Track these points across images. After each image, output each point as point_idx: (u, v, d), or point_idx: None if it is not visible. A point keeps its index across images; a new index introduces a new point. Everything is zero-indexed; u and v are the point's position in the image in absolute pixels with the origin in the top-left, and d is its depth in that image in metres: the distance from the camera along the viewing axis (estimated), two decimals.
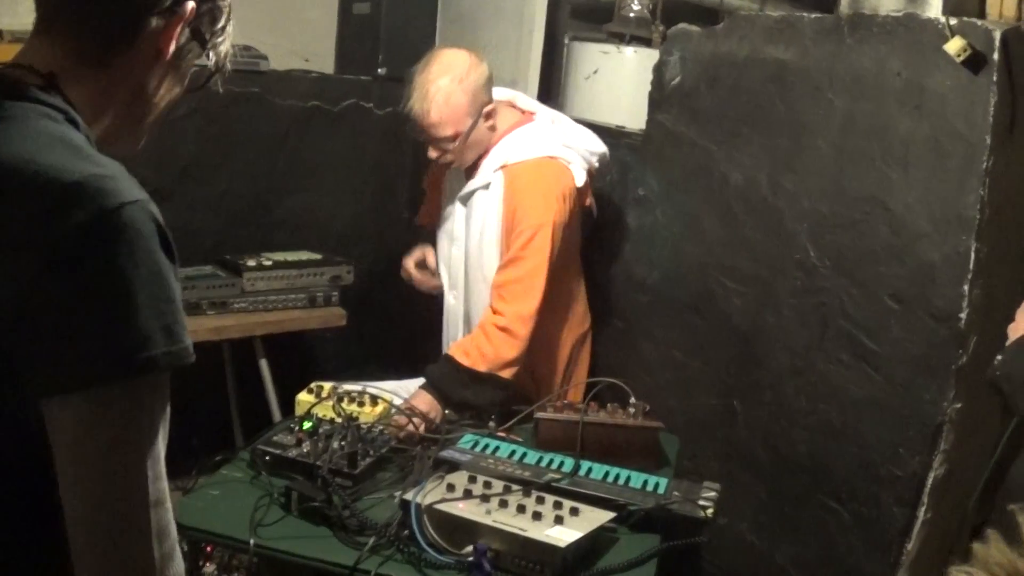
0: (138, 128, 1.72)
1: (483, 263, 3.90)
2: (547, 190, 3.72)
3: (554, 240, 3.69)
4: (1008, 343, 2.65)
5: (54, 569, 1.50)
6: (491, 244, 3.85)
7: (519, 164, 3.77)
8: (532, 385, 3.90)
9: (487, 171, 3.82)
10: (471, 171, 3.91)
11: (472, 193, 3.90)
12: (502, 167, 3.79)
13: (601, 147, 3.99)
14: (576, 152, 3.86)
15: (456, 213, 4.00)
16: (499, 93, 3.97)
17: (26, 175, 1.43)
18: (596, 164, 3.96)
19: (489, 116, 3.76)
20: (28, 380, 1.41)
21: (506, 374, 3.64)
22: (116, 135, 1.67)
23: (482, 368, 3.60)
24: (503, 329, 3.64)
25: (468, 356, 3.62)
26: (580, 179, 3.81)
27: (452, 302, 4.14)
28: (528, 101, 4.07)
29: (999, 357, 2.64)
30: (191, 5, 1.64)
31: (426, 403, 3.52)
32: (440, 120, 3.66)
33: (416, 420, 3.33)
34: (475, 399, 3.62)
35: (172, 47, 1.64)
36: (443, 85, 3.64)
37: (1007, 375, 2.57)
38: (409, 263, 4.18)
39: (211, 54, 1.75)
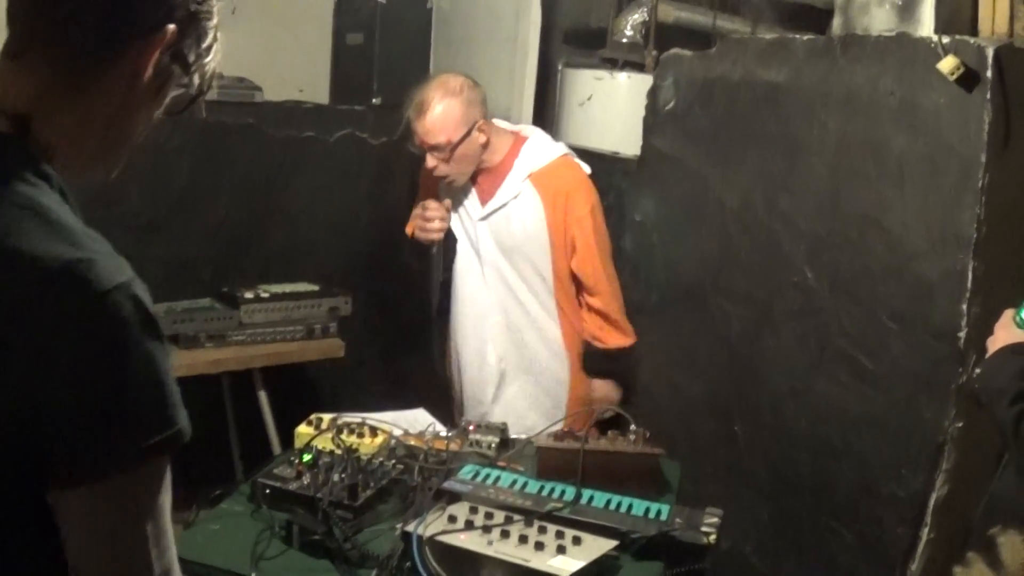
0: (115, 154, 1.66)
1: (534, 260, 4.12)
2: (584, 179, 4.11)
3: (602, 223, 4.13)
4: (987, 355, 2.67)
5: None
6: (541, 240, 4.09)
7: (545, 168, 4.08)
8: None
9: (514, 183, 4.06)
10: (485, 193, 4.12)
11: (500, 208, 4.10)
12: (529, 176, 4.05)
13: None
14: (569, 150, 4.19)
15: (479, 236, 4.15)
16: None
17: (2, 261, 1.39)
18: None
19: (482, 131, 4.00)
20: (28, 471, 1.40)
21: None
22: (92, 162, 1.63)
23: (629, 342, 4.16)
24: (607, 316, 4.13)
25: (621, 338, 4.15)
26: (587, 168, 4.14)
27: (455, 328, 4.29)
28: (505, 123, 4.30)
29: (977, 369, 2.66)
30: (171, 27, 1.57)
31: (608, 388, 4.16)
32: (434, 126, 3.95)
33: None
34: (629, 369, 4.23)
35: (150, 70, 1.57)
36: (439, 94, 3.97)
37: (985, 387, 2.60)
38: (428, 201, 4.22)
39: (195, 77, 1.68)
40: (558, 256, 4.10)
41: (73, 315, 1.38)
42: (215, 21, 1.69)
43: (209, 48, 1.69)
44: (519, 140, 4.14)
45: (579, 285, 4.15)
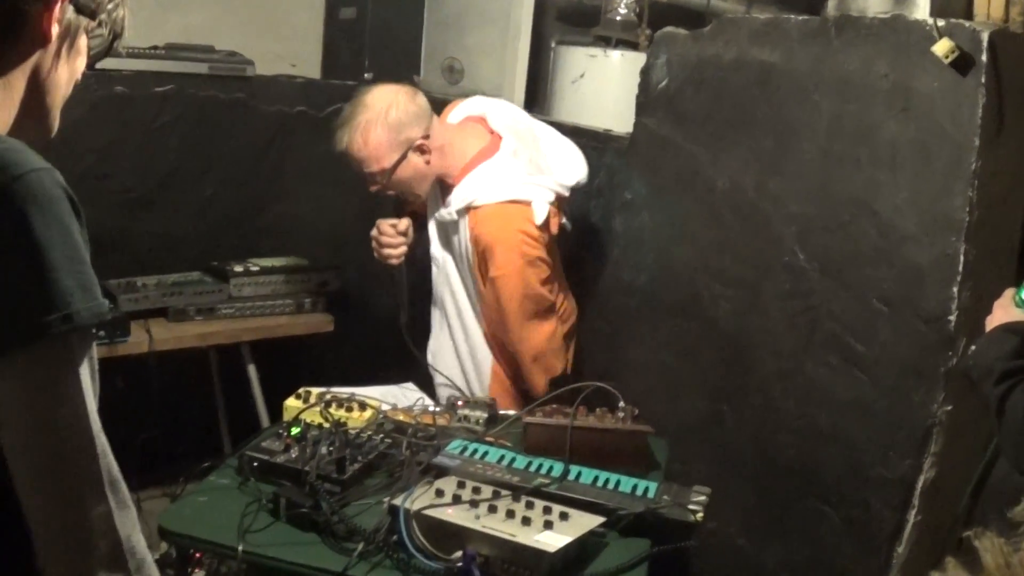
0: (47, 115, 1.71)
1: (467, 287, 4.03)
2: (512, 240, 3.76)
3: (527, 282, 3.80)
4: (984, 334, 2.68)
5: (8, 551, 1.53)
6: (467, 274, 3.97)
7: (482, 209, 3.80)
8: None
9: (451, 210, 3.88)
10: (444, 195, 3.98)
11: (445, 222, 3.97)
12: (467, 208, 3.82)
13: (575, 176, 4.00)
14: (540, 186, 3.85)
15: (435, 235, 4.08)
16: (473, 107, 4.08)
17: None
18: (566, 193, 3.96)
19: (423, 151, 3.82)
20: None
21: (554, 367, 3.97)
22: (26, 127, 1.66)
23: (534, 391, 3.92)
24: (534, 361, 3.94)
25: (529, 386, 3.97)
26: (540, 217, 3.79)
27: (437, 316, 4.22)
28: (499, 119, 4.04)
29: (972, 347, 2.66)
30: None
31: None
32: (361, 156, 3.80)
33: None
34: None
35: (55, 28, 1.62)
36: (362, 122, 3.78)
37: (975, 363, 2.61)
38: (383, 222, 4.05)
39: (105, 22, 1.73)
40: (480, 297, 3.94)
41: (1, 189, 1.43)
42: None
43: None
44: (483, 153, 3.90)
45: None
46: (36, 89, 1.65)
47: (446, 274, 4.07)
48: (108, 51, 1.79)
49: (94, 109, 4.70)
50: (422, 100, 3.88)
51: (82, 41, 1.71)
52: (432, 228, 4.07)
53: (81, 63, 1.73)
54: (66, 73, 1.70)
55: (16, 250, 1.43)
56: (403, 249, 4.00)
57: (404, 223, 4.00)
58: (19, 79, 1.62)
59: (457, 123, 4.07)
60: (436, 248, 4.07)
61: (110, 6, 1.73)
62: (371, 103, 3.80)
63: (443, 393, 4.06)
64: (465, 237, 3.86)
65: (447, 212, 3.89)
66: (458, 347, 4.13)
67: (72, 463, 1.49)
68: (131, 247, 4.88)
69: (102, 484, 1.51)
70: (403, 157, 3.78)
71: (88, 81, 4.71)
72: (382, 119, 3.76)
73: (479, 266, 3.82)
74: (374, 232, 4.01)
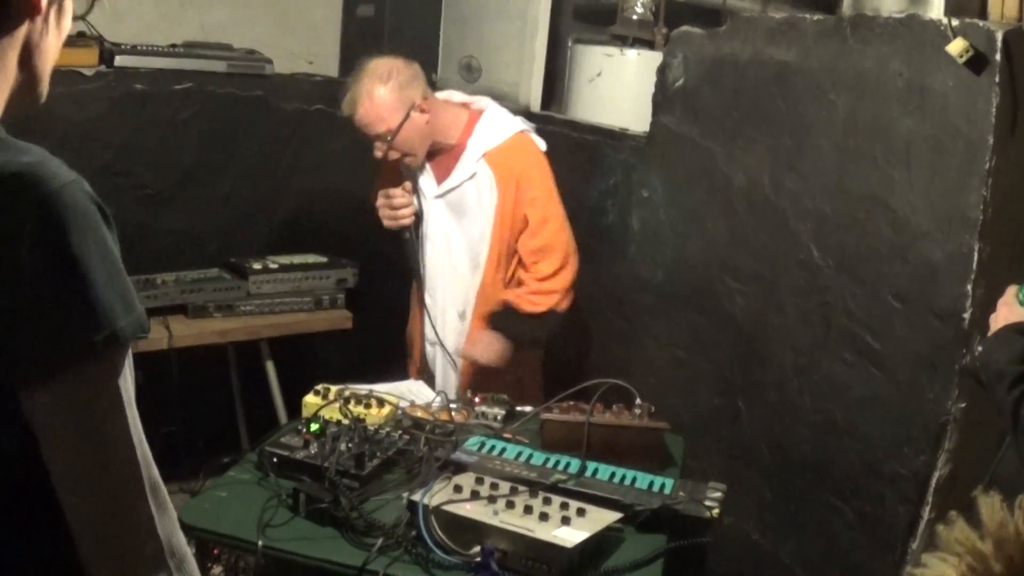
0: (38, 83, 1.69)
1: (472, 239, 4.18)
2: (538, 158, 4.16)
3: (558, 205, 4.16)
4: (989, 333, 2.66)
5: (50, 552, 1.54)
6: (485, 223, 4.14)
7: (499, 147, 4.12)
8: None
9: (469, 163, 4.10)
10: (441, 172, 4.17)
11: (455, 188, 4.15)
12: (484, 155, 4.08)
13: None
14: (527, 123, 4.24)
15: (432, 213, 4.21)
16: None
17: None
18: None
19: (424, 111, 4.02)
20: (2, 374, 1.43)
21: (564, 305, 4.12)
22: (20, 96, 1.65)
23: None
24: (553, 286, 4.10)
25: (535, 304, 4.09)
26: (543, 145, 4.21)
27: (429, 301, 4.32)
28: (459, 95, 4.36)
29: (978, 347, 2.65)
30: None
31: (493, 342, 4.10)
32: (369, 119, 4.00)
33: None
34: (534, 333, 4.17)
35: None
36: (367, 85, 4.01)
37: (985, 365, 2.58)
38: (390, 189, 4.22)
39: None
40: (496, 239, 4.14)
41: (36, 206, 1.42)
42: None
43: None
44: (474, 116, 4.19)
45: (526, 260, 4.15)
46: (28, 59, 1.64)
47: (447, 251, 4.23)
48: (90, 9, 1.81)
49: (113, 106, 4.72)
50: (417, 67, 4.13)
51: (68, 3, 1.70)
52: (431, 207, 4.22)
53: (67, 25, 1.72)
54: (56, 39, 1.69)
55: (57, 267, 1.43)
56: (413, 207, 4.18)
57: (408, 184, 4.18)
58: (11, 51, 1.60)
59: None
60: (435, 226, 4.23)
61: None
62: (373, 69, 4.04)
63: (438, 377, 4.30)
64: (488, 184, 4.09)
65: (463, 172, 4.12)
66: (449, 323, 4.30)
67: (117, 473, 1.50)
68: (150, 244, 4.90)
69: (144, 491, 1.52)
70: (407, 116, 3.98)
71: (108, 79, 4.75)
72: (385, 82, 3.99)
73: (515, 202, 4.10)
74: (382, 200, 4.19)
